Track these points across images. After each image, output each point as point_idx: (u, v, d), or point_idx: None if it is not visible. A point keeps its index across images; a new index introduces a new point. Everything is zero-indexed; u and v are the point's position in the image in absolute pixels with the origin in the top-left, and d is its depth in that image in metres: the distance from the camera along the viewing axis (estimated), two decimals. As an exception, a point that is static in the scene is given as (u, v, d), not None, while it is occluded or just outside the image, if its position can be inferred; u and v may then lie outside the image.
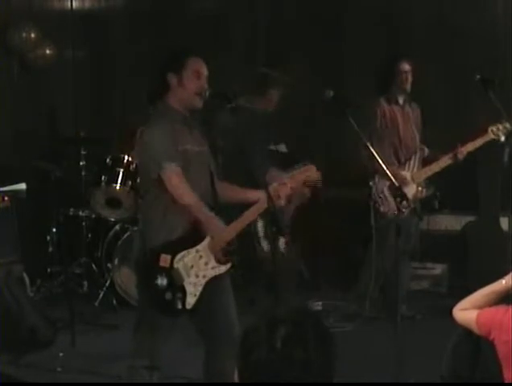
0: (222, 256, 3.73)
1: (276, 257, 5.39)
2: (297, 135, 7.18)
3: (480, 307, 3.03)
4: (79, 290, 6.35)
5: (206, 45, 6.76)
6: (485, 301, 3.04)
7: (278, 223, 3.77)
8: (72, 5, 7.34)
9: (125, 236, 6.28)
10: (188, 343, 4.48)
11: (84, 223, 6.54)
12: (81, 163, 6.61)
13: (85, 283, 6.43)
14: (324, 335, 1.80)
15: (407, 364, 3.95)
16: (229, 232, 3.74)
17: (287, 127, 6.96)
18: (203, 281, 3.73)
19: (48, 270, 6.52)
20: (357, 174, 5.93)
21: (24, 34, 6.75)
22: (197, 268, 3.72)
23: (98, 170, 6.37)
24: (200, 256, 3.72)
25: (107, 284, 6.29)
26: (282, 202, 3.73)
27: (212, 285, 3.75)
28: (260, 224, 6.29)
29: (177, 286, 3.71)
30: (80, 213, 6.51)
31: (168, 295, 3.70)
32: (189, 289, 3.71)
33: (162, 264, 3.69)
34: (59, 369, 4.87)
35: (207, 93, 3.81)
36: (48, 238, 6.54)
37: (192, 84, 3.79)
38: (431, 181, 5.89)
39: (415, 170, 5.92)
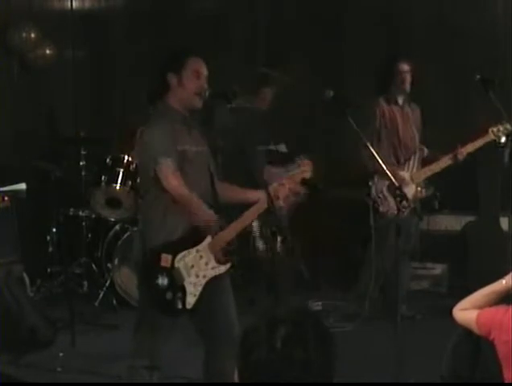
0: (222, 256, 3.74)
1: (275, 257, 5.39)
2: (297, 135, 7.18)
3: (480, 307, 3.03)
4: (79, 290, 6.35)
5: (206, 45, 6.76)
6: (485, 301, 3.04)
7: (280, 223, 3.77)
8: (72, 5, 7.34)
9: (125, 236, 6.28)
10: (188, 343, 4.48)
11: (84, 223, 6.54)
12: (81, 163, 6.61)
13: (85, 283, 6.43)
14: (324, 335, 1.80)
15: (407, 364, 3.95)
16: (229, 232, 3.74)
17: (287, 127, 6.96)
18: (203, 281, 3.73)
19: (48, 270, 6.52)
20: (357, 174, 5.93)
21: (24, 34, 6.75)
22: (197, 268, 3.72)
23: (98, 170, 6.37)
24: (201, 256, 3.73)
25: (107, 284, 6.29)
26: (281, 202, 3.75)
27: (212, 285, 3.75)
28: (255, 224, 6.30)
29: (178, 286, 3.71)
30: (80, 213, 6.51)
31: (169, 295, 3.70)
32: (189, 288, 3.72)
33: (163, 263, 3.69)
34: (59, 369, 4.87)
35: (207, 93, 3.81)
36: (48, 238, 6.54)
37: (191, 83, 3.79)
38: (430, 181, 5.89)
39: (415, 170, 5.92)
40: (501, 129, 5.57)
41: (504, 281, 3.02)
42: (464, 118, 7.01)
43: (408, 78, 5.97)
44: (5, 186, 5.78)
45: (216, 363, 3.85)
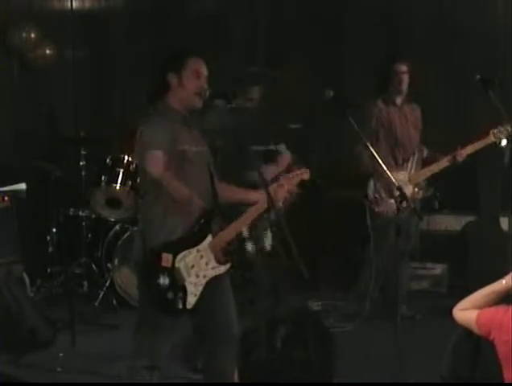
0: (222, 256, 3.74)
1: (275, 257, 5.39)
2: (297, 135, 7.17)
3: (480, 307, 3.03)
4: (79, 290, 6.35)
5: (206, 45, 6.76)
6: (485, 301, 3.04)
7: (280, 223, 3.78)
8: (72, 5, 7.34)
9: (125, 236, 6.28)
10: (188, 343, 4.48)
11: (84, 223, 6.54)
12: (81, 163, 6.61)
13: (85, 283, 6.43)
14: (324, 335, 1.80)
15: (407, 364, 3.94)
16: (229, 232, 3.75)
17: (287, 127, 6.95)
18: (203, 281, 3.74)
19: (48, 270, 6.52)
20: (356, 174, 5.92)
21: (24, 34, 6.75)
22: (198, 268, 3.72)
23: (98, 170, 6.36)
24: (201, 256, 3.73)
25: (107, 284, 6.28)
26: (280, 203, 3.76)
27: (212, 285, 3.76)
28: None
29: (179, 286, 3.71)
30: (80, 213, 6.51)
31: (170, 295, 3.71)
32: (190, 288, 3.72)
33: (164, 263, 3.70)
34: (59, 369, 4.87)
35: (207, 93, 3.81)
36: (48, 238, 6.54)
37: (191, 83, 3.79)
38: (430, 181, 5.89)
39: (413, 171, 5.90)
40: (502, 130, 5.55)
41: (504, 281, 3.02)
42: (464, 118, 7.02)
43: (405, 79, 5.95)
44: (5, 186, 5.78)
45: (216, 363, 3.85)
